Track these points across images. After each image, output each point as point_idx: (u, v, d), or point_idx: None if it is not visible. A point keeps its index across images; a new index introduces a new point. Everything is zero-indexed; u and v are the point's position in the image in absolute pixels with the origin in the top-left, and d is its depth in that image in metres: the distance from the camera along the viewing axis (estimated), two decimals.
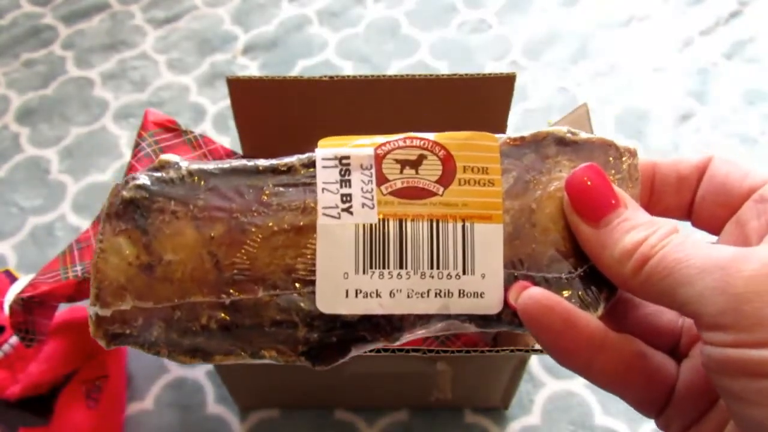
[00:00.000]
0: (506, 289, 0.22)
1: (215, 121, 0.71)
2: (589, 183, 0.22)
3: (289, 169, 0.23)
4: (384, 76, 0.49)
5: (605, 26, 0.79)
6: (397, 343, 0.22)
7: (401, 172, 0.23)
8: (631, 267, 0.20)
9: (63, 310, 0.52)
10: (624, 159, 0.23)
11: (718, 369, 0.18)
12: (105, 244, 0.22)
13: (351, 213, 0.22)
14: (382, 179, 0.23)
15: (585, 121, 0.46)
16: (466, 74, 0.48)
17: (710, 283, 0.18)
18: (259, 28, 0.80)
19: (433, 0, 0.82)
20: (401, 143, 0.23)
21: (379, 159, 0.23)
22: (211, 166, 0.23)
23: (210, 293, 0.22)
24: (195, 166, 0.23)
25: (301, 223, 0.22)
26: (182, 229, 0.22)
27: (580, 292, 0.22)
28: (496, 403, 0.51)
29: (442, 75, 0.50)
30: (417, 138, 0.23)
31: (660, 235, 0.20)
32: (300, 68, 0.76)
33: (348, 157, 0.23)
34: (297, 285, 0.22)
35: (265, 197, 0.23)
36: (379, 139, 0.23)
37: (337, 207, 0.22)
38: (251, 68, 0.76)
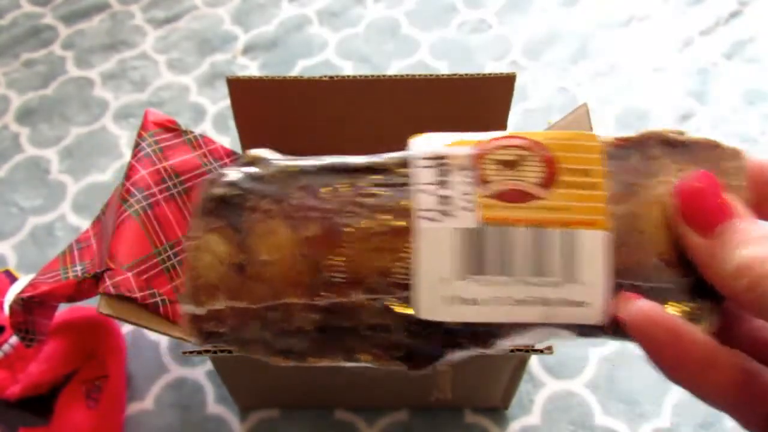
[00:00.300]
0: (610, 298, 0.21)
1: (215, 121, 0.71)
2: (701, 190, 0.20)
3: (384, 169, 0.22)
4: (384, 76, 0.49)
5: (605, 26, 0.78)
6: (492, 349, 0.22)
7: (501, 174, 0.21)
8: (745, 283, 0.18)
9: (63, 310, 0.52)
10: (730, 161, 0.22)
11: None
12: (199, 242, 0.22)
13: (449, 216, 0.21)
14: (481, 181, 0.21)
15: (585, 121, 0.46)
16: (466, 74, 0.48)
17: None
18: (259, 28, 0.80)
19: (433, 0, 0.82)
20: (501, 143, 0.22)
21: (477, 159, 0.22)
22: (302, 162, 0.22)
23: (304, 295, 0.21)
24: (285, 163, 0.22)
25: (398, 225, 0.21)
26: (276, 229, 0.22)
27: (687, 303, 0.21)
28: (496, 403, 0.51)
29: (442, 75, 0.50)
30: (517, 137, 0.22)
31: None
32: (300, 68, 0.76)
33: (445, 157, 0.22)
34: (393, 289, 0.21)
35: (360, 197, 0.22)
36: (475, 137, 0.22)
37: (434, 209, 0.21)
38: (251, 68, 0.76)
